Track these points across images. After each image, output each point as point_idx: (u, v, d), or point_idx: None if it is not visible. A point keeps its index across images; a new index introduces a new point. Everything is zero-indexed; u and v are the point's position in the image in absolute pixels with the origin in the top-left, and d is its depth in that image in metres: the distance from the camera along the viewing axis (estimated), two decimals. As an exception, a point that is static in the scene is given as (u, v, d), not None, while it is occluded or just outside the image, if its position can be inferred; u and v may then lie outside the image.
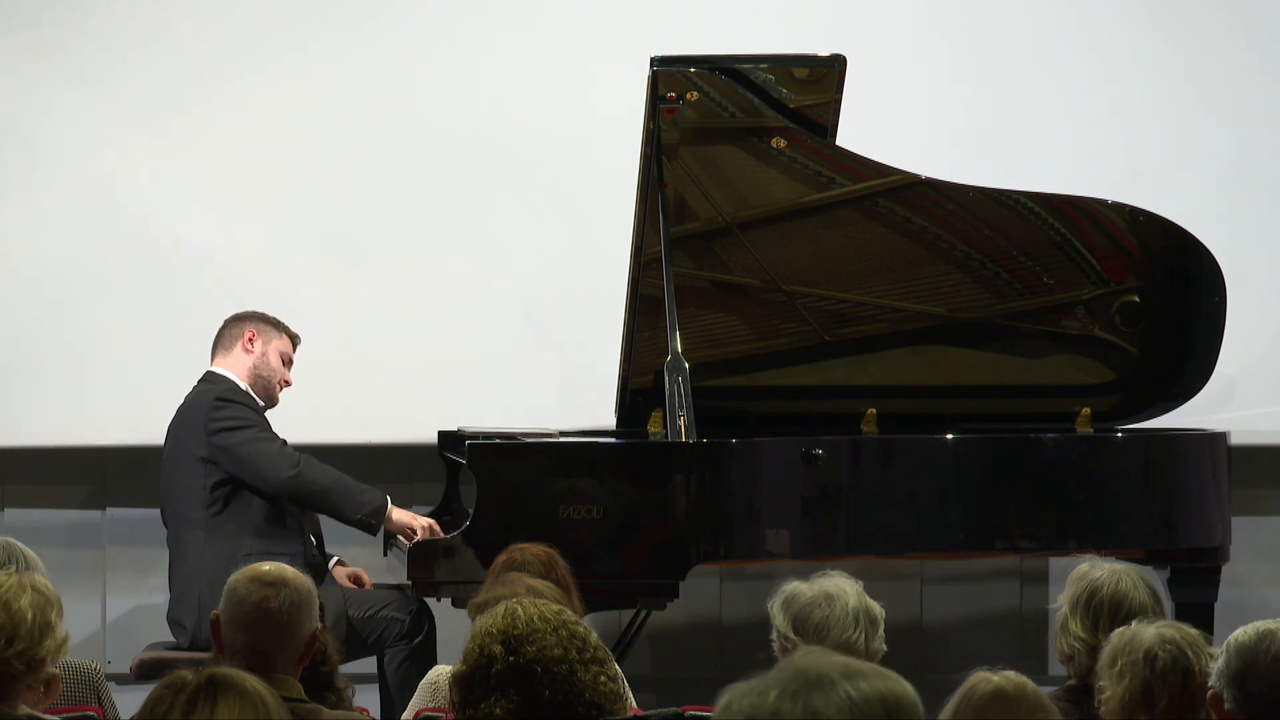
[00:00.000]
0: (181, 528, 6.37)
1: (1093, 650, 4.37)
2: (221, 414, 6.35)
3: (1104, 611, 4.44)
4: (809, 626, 4.27)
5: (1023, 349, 6.89)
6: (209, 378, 6.49)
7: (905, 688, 2.22)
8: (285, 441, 6.41)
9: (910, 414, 6.82)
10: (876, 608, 4.34)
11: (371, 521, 6.37)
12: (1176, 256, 6.79)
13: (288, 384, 6.55)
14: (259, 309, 6.61)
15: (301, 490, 6.33)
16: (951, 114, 7.56)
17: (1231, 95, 7.62)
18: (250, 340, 6.49)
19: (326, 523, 6.61)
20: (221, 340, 6.54)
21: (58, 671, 3.84)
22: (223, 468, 6.32)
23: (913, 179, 6.64)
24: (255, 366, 6.49)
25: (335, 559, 6.66)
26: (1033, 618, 7.70)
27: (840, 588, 4.33)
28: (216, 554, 6.21)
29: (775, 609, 4.36)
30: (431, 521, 6.43)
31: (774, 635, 4.35)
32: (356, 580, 6.60)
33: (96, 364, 7.36)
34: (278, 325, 6.55)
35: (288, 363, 6.56)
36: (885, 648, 4.31)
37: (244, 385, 6.46)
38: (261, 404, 6.48)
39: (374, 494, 6.39)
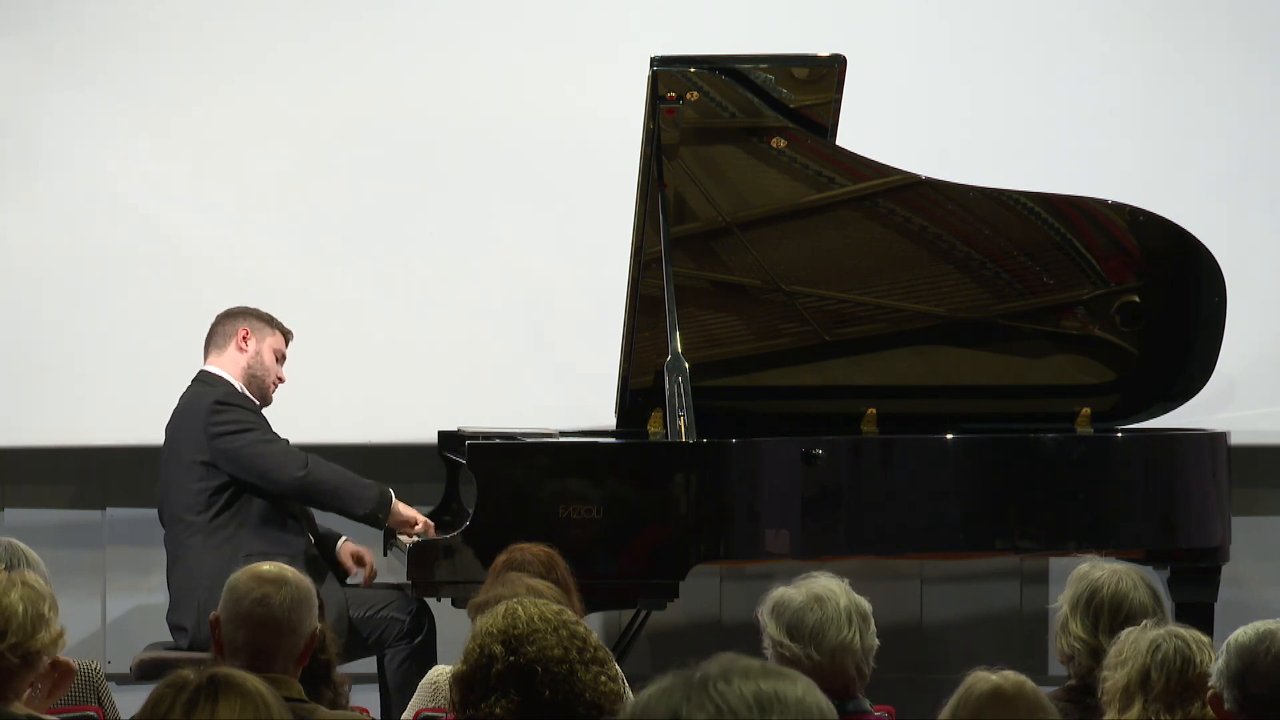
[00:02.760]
0: (180, 530, 6.35)
1: (1093, 651, 4.38)
2: (222, 418, 6.32)
3: (1104, 612, 4.45)
4: (804, 631, 4.27)
5: (1023, 349, 6.88)
6: (203, 378, 6.48)
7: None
8: (288, 441, 6.40)
9: (910, 414, 6.82)
10: (864, 603, 4.35)
11: (379, 515, 6.37)
12: (1176, 256, 6.79)
13: (281, 381, 6.54)
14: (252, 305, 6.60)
15: (311, 490, 6.32)
16: (951, 114, 7.56)
17: (1231, 95, 7.63)
18: (244, 339, 6.47)
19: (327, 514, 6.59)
20: (214, 338, 6.52)
21: (71, 662, 3.83)
22: (227, 471, 6.31)
23: (913, 179, 6.64)
24: (249, 366, 6.47)
25: (343, 538, 6.62)
26: (1033, 618, 7.70)
27: (828, 588, 4.33)
28: (216, 556, 6.20)
29: (765, 616, 4.35)
30: (429, 521, 6.44)
31: (767, 643, 4.34)
32: (359, 560, 6.55)
33: (96, 364, 7.36)
34: (270, 321, 6.53)
35: (281, 359, 6.54)
36: (878, 642, 4.31)
37: (238, 385, 6.45)
38: (257, 404, 6.47)
39: (377, 488, 6.40)
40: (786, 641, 4.28)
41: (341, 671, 4.53)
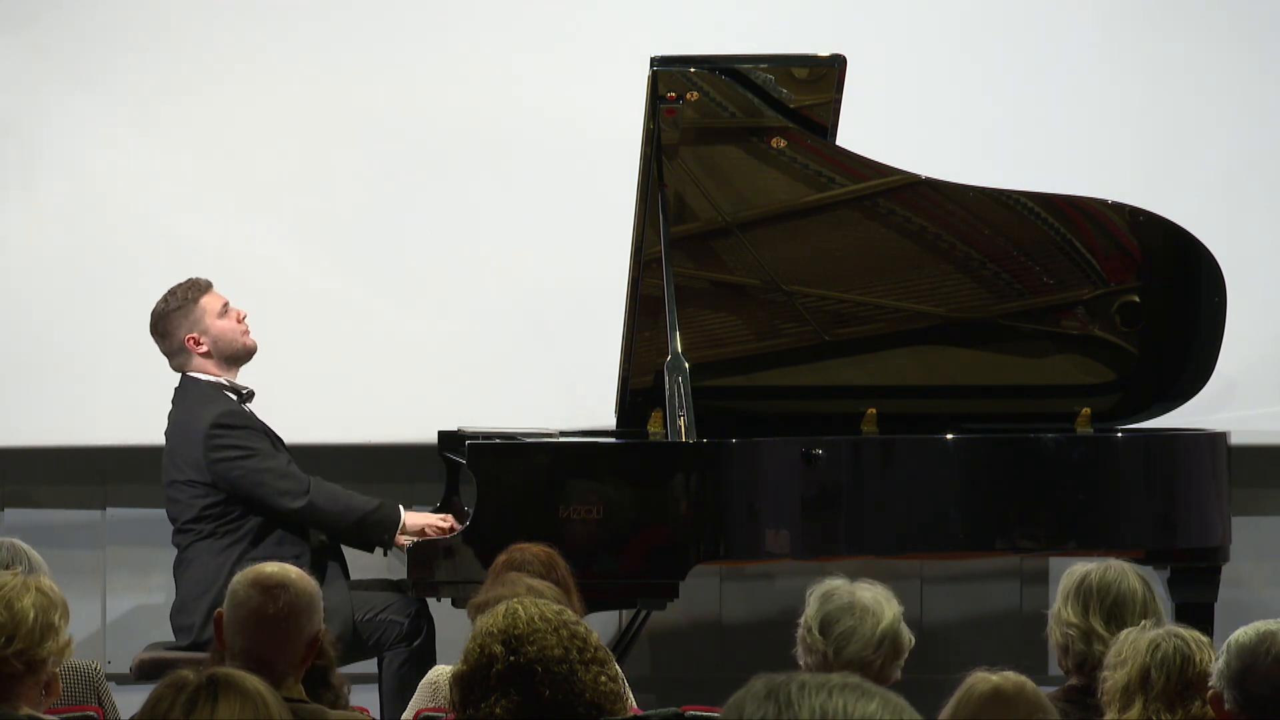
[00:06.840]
0: (188, 534, 6.32)
1: (1085, 635, 4.38)
2: (220, 442, 6.24)
3: (1093, 594, 4.44)
4: (832, 631, 4.23)
5: (1023, 349, 6.89)
6: (186, 385, 6.37)
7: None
8: (290, 460, 6.34)
9: (910, 414, 6.82)
10: (907, 637, 4.22)
11: (384, 539, 6.35)
12: (1177, 257, 6.79)
13: (243, 319, 6.39)
14: (159, 299, 6.38)
15: (306, 520, 6.28)
16: (951, 114, 7.56)
17: (1231, 95, 7.63)
18: (194, 342, 6.35)
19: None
20: (172, 356, 6.38)
21: (57, 671, 3.84)
22: (226, 492, 6.26)
23: (913, 179, 6.64)
24: (216, 351, 6.36)
25: (401, 519, 6.41)
26: (1033, 618, 7.69)
27: (878, 604, 4.24)
28: (222, 558, 6.17)
29: (811, 598, 4.30)
30: (442, 524, 6.36)
31: (801, 620, 4.30)
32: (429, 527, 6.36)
33: (97, 363, 7.35)
34: (187, 299, 6.35)
35: (226, 309, 6.37)
36: (900, 677, 4.23)
37: (224, 379, 6.36)
38: (242, 388, 6.37)
39: (379, 513, 6.31)
40: (814, 629, 4.24)
41: (341, 673, 4.53)
